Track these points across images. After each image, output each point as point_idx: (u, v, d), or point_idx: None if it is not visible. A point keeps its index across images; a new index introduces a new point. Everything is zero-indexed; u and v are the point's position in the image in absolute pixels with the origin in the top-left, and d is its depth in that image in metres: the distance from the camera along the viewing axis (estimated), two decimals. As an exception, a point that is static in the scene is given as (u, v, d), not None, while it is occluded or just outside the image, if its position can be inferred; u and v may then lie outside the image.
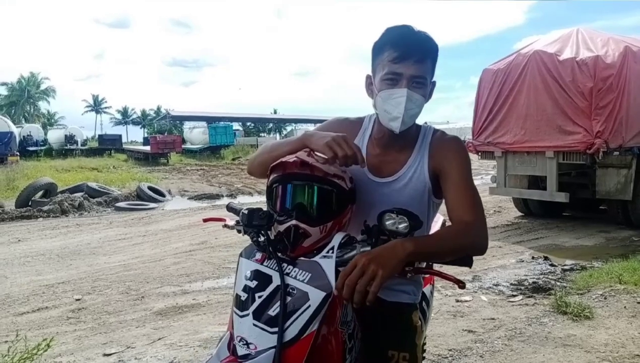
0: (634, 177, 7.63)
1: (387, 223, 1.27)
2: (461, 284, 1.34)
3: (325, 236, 1.34)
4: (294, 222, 1.32)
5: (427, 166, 1.52)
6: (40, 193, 12.37)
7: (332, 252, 1.29)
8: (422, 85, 1.45)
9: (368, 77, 1.55)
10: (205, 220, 1.99)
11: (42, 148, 33.03)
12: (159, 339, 3.94)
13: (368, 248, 1.29)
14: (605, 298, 4.53)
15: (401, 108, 1.42)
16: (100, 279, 5.71)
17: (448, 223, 1.96)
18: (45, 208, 11.12)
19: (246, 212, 1.43)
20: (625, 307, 4.30)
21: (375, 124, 1.60)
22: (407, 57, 1.41)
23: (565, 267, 5.87)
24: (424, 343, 2.09)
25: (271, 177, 1.42)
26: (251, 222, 1.39)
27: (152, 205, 12.79)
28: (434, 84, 1.52)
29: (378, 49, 1.48)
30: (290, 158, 1.38)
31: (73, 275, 5.92)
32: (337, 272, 1.26)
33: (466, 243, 1.36)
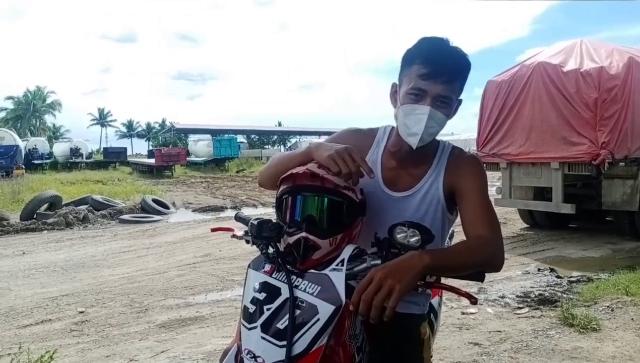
0: (640, 187, 7.60)
1: (399, 236, 1.25)
2: (473, 299, 1.30)
3: (335, 248, 1.33)
4: (303, 234, 1.30)
5: (442, 182, 1.50)
6: (45, 206, 12.42)
7: (342, 265, 1.27)
8: (447, 105, 1.41)
9: (394, 85, 1.51)
10: (213, 230, 1.98)
11: (48, 161, 33.27)
12: (162, 352, 3.92)
13: (378, 261, 1.27)
14: (612, 310, 4.48)
15: (421, 125, 1.39)
16: (104, 292, 5.70)
17: (456, 232, 1.95)
18: (50, 221, 11.16)
19: (255, 223, 1.41)
20: (632, 319, 4.26)
21: (392, 135, 1.56)
22: (435, 76, 1.36)
23: (572, 279, 5.84)
24: (431, 356, 2.07)
25: (281, 188, 1.40)
26: (261, 233, 1.37)
27: (156, 217, 12.80)
28: (459, 102, 1.48)
29: (408, 61, 1.43)
30: (301, 169, 1.37)
31: (77, 288, 5.91)
32: (346, 285, 1.24)
33: (483, 258, 1.33)
